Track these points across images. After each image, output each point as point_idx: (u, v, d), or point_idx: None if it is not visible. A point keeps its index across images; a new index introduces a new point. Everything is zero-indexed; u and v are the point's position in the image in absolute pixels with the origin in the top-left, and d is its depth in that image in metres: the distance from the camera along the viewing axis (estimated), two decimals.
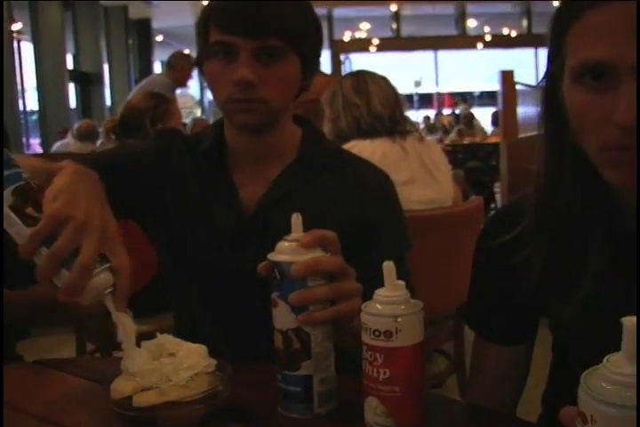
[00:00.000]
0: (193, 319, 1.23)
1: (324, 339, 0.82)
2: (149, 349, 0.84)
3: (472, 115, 10.22)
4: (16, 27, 10.10)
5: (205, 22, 1.10)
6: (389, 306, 0.74)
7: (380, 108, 2.18)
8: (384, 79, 2.27)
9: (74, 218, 0.80)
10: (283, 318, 0.82)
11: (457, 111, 10.88)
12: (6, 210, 0.82)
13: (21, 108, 10.54)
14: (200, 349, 0.85)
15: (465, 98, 19.68)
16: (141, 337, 0.85)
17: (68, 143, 6.69)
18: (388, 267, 0.75)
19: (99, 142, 6.12)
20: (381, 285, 0.76)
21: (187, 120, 3.54)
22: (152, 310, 2.18)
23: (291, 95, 1.15)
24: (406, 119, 2.28)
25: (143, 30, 15.14)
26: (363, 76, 2.25)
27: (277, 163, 1.17)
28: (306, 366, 0.82)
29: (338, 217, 1.12)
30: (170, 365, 0.81)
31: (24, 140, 10.31)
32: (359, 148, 2.07)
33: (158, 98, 2.81)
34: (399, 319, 0.73)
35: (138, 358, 0.82)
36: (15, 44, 10.11)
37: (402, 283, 0.76)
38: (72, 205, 0.82)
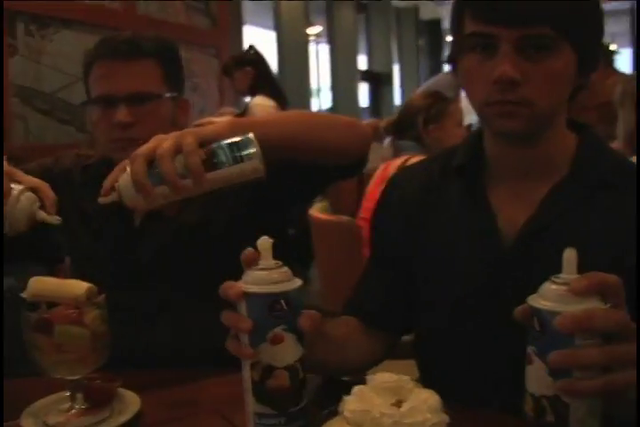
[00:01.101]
0: (423, 356, 1.09)
1: (586, 415, 0.63)
2: (380, 391, 0.72)
3: None
4: (314, 30, 10.70)
5: (459, 12, 0.94)
6: None
7: None
8: None
9: None
10: (537, 379, 0.65)
11: None
12: None
13: (316, 106, 11.17)
14: (432, 400, 0.71)
15: None
16: None
17: None
18: None
19: (386, 141, 6.16)
20: None
21: (471, 121, 3.38)
22: None
23: (563, 96, 0.94)
24: None
25: (433, 31, 15.23)
26: None
27: (545, 180, 0.97)
28: None
29: (617, 248, 0.90)
30: (391, 417, 0.68)
31: None
32: None
33: (435, 97, 2.69)
34: None
35: (356, 402, 0.70)
36: (313, 47, 10.73)
37: None
38: None
